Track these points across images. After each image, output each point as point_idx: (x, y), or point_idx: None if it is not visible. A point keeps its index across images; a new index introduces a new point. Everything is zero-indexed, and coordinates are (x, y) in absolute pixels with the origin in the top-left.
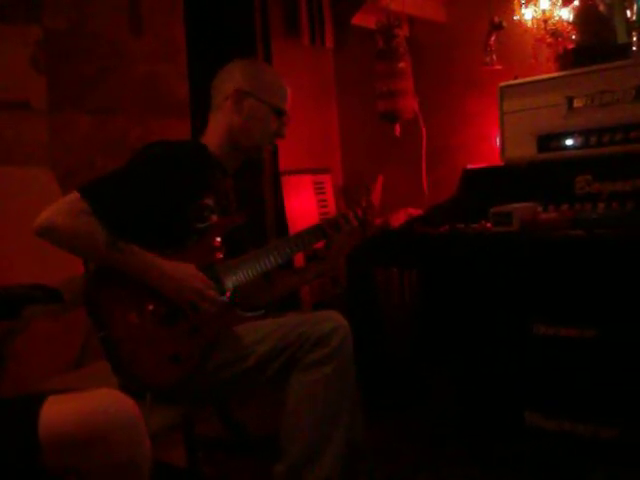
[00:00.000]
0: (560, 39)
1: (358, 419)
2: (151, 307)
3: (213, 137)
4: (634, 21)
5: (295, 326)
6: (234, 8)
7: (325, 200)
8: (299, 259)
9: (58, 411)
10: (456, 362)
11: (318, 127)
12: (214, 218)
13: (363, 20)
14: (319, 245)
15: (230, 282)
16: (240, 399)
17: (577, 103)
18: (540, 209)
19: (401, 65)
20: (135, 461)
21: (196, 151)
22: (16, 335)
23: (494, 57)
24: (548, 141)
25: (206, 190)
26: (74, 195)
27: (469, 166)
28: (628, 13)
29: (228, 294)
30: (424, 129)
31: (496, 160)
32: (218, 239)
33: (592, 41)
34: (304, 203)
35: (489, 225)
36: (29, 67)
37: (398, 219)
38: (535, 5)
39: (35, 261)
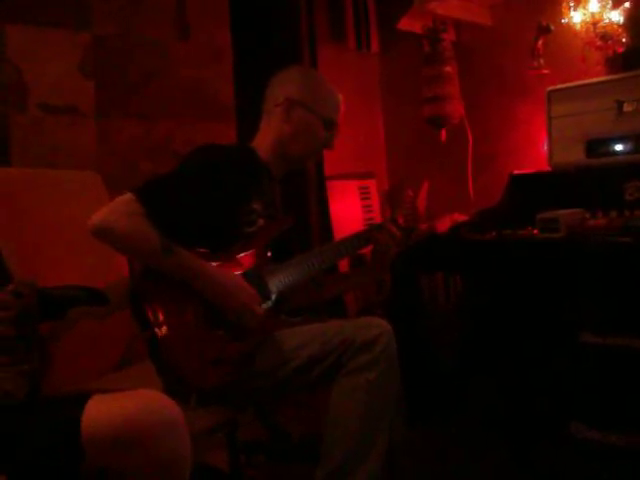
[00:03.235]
0: (610, 42)
1: (399, 423)
2: (197, 310)
3: (262, 142)
4: None
5: (339, 331)
6: (280, 12)
7: (370, 205)
8: (344, 265)
9: (101, 411)
10: (501, 369)
11: (363, 132)
12: (261, 222)
13: (409, 24)
14: (364, 251)
15: (275, 286)
16: (283, 404)
17: (627, 107)
18: (588, 215)
19: (447, 69)
20: (176, 462)
21: (246, 155)
22: (62, 335)
23: (542, 61)
24: (597, 146)
25: (255, 194)
26: (129, 196)
27: (516, 172)
28: None
29: (273, 298)
30: (470, 134)
31: (544, 166)
32: (265, 243)
33: None
34: (349, 208)
35: (536, 231)
36: (78, 72)
37: (444, 224)
38: (584, 8)
39: (82, 263)
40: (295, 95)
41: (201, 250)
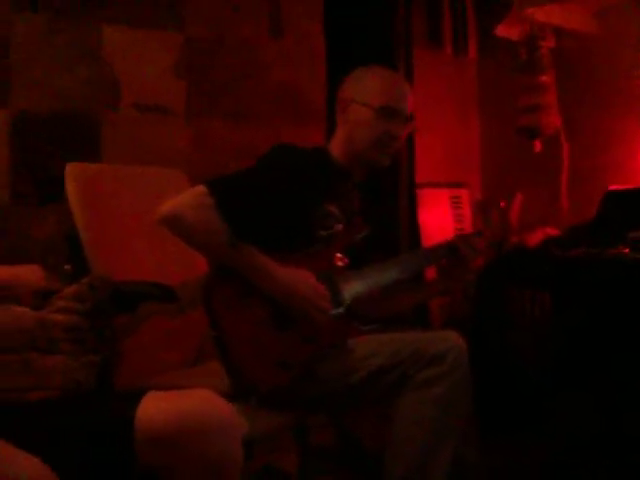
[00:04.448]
0: None
1: (472, 441)
2: (265, 311)
3: (336, 146)
4: None
5: (409, 343)
6: (377, 14)
7: (461, 215)
8: (430, 273)
9: (154, 408)
10: (582, 392)
11: (457, 140)
12: (339, 227)
13: (507, 31)
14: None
15: (349, 293)
16: (358, 411)
17: None
18: None
19: (544, 78)
20: (226, 464)
21: (319, 158)
22: (134, 330)
23: None
24: None
25: (328, 197)
26: (201, 189)
27: (612, 187)
28: None
29: (345, 304)
30: (566, 146)
31: None
32: (341, 249)
33: None
34: (439, 217)
35: (627, 251)
36: (170, 72)
37: (535, 239)
38: None
39: (160, 258)
40: (347, 94)
41: (273, 251)
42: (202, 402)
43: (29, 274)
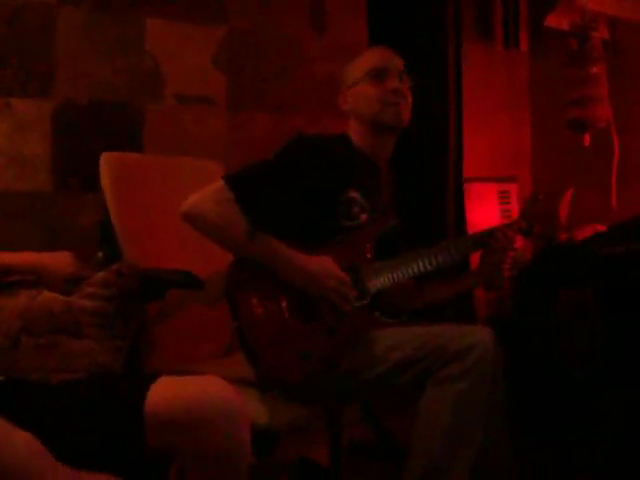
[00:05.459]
0: None
1: (504, 444)
2: (288, 302)
3: (352, 133)
4: None
5: (433, 337)
6: (424, 10)
7: (509, 210)
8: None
9: (164, 392)
10: (631, 390)
11: (507, 134)
12: (363, 216)
13: (557, 21)
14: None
15: (374, 284)
16: (392, 408)
17: None
18: None
19: (595, 70)
20: (231, 451)
21: (342, 144)
22: (165, 318)
23: None
24: None
25: (351, 184)
26: (220, 184)
27: None
28: None
29: (369, 296)
30: (617, 140)
31: None
32: (369, 239)
33: None
34: (486, 212)
35: None
36: (211, 65)
37: (584, 235)
38: None
39: (193, 250)
40: (342, 87)
41: (296, 242)
42: (210, 388)
43: (59, 260)
